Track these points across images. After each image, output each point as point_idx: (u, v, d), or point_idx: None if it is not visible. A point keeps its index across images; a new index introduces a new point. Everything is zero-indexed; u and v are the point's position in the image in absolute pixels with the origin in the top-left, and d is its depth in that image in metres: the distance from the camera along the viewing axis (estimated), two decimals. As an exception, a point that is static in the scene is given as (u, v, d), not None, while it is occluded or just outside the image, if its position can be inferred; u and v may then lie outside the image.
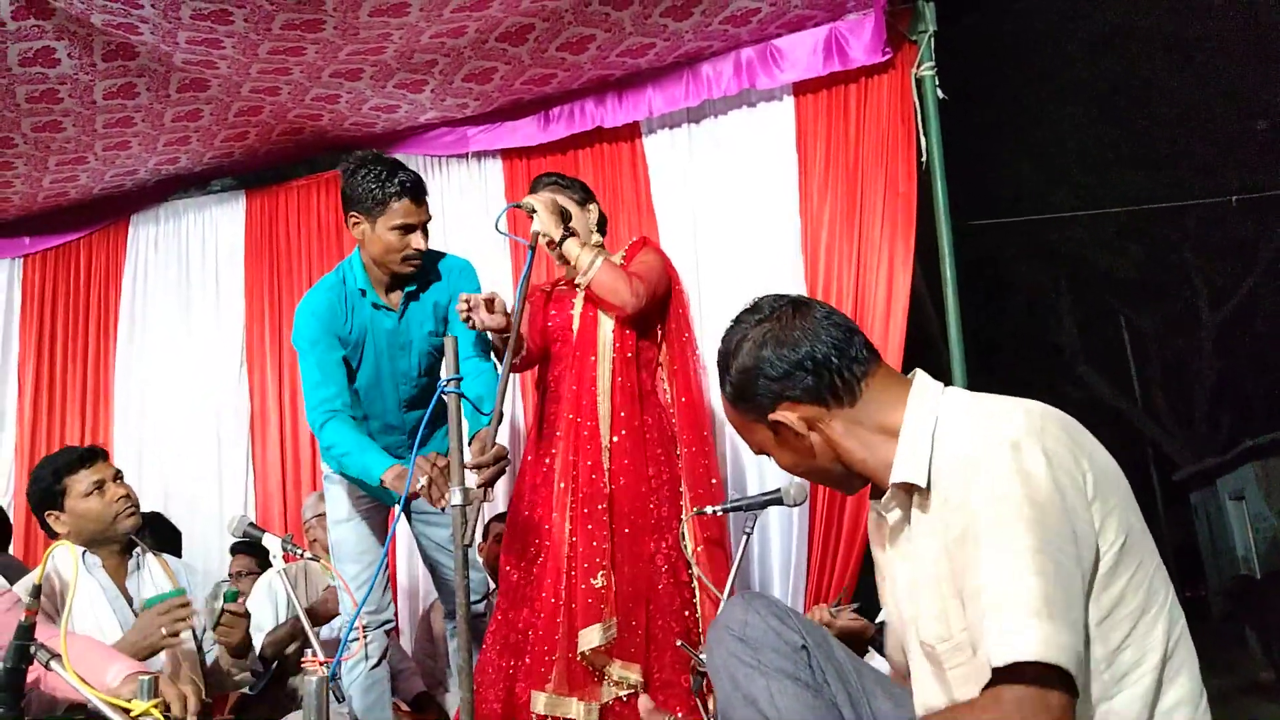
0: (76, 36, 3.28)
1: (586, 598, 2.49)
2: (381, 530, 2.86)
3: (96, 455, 2.61)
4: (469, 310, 2.45)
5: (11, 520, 4.05)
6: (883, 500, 1.41)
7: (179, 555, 3.89)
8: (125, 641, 2.23)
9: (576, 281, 2.68)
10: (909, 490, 1.35)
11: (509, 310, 2.46)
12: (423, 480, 2.22)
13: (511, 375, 3.00)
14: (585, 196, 2.86)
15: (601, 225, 2.90)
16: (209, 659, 2.63)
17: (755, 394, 1.41)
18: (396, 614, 3.93)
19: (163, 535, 3.77)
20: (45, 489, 2.54)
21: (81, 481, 2.53)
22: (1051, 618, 1.13)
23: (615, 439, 2.60)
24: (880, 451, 1.38)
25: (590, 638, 2.46)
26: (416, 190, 2.66)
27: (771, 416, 1.41)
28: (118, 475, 2.62)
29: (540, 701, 2.48)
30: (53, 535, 2.58)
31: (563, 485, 2.60)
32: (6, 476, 4.70)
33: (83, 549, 2.52)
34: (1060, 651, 1.12)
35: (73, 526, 2.53)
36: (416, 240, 2.65)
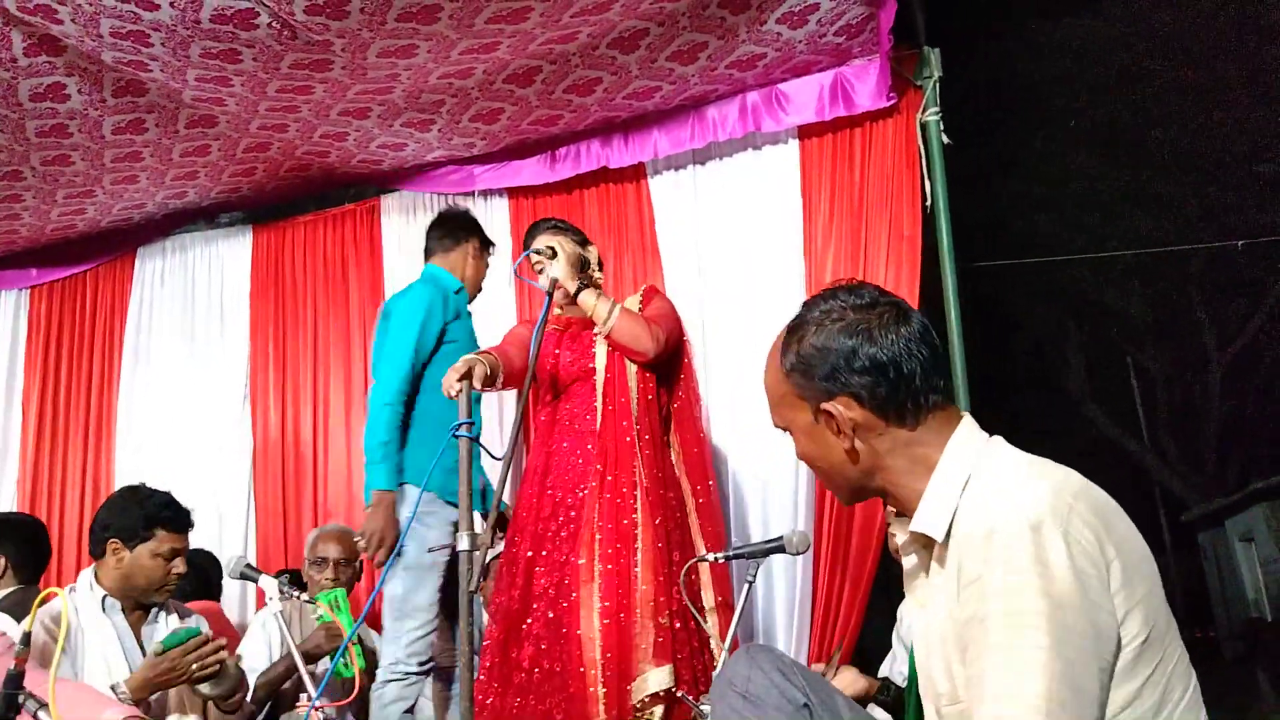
0: (87, 73, 3.31)
1: (657, 636, 2.46)
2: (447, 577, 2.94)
3: (188, 525, 2.63)
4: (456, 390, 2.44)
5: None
6: (902, 545, 1.38)
7: (218, 596, 3.84)
8: (136, 677, 2.21)
9: (596, 331, 2.71)
10: (927, 542, 1.32)
11: (484, 377, 2.48)
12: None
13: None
14: (583, 239, 2.91)
15: (599, 265, 2.93)
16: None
17: (820, 376, 1.33)
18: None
19: (202, 576, 3.70)
20: (131, 526, 2.53)
21: (164, 543, 2.54)
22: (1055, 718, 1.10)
23: (642, 482, 2.60)
24: (916, 481, 1.32)
25: (660, 678, 2.43)
26: None
27: (825, 405, 1.33)
28: (185, 551, 2.62)
29: None
30: (97, 556, 2.57)
31: (599, 525, 2.57)
32: (10, 505, 4.68)
33: (104, 593, 2.52)
34: None
35: (121, 571, 2.53)
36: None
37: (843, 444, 1.34)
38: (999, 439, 1.34)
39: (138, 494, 2.63)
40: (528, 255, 2.75)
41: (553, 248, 2.69)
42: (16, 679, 1.55)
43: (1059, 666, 1.10)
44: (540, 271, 2.72)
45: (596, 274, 2.87)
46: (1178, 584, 16.55)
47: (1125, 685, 1.16)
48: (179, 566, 2.58)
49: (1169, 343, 15.59)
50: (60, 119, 3.56)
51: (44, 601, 1.68)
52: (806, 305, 1.39)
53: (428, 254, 3.32)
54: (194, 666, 2.22)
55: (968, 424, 1.34)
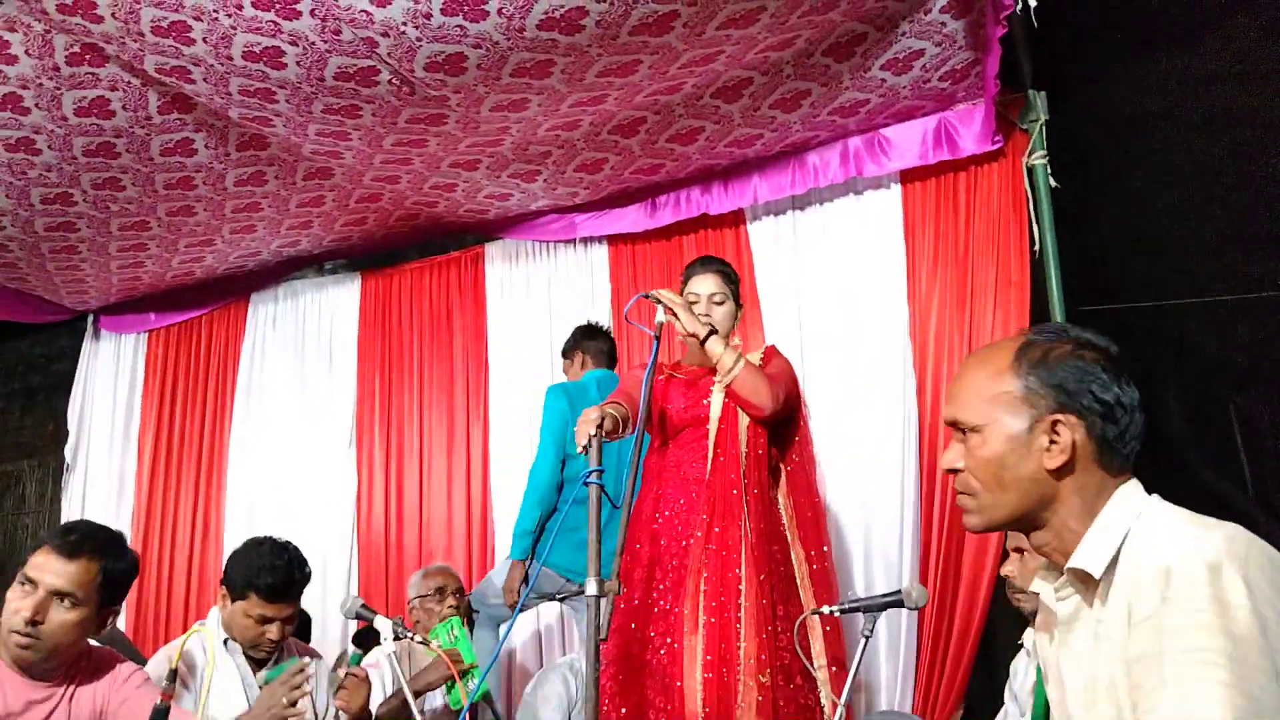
0: (214, 129, 3.48)
1: (758, 695, 2.41)
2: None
3: (283, 596, 2.55)
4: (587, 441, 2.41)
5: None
6: (1056, 585, 1.36)
7: (308, 638, 3.90)
8: (249, 717, 2.24)
9: (717, 380, 2.69)
10: (1085, 580, 1.31)
11: (612, 427, 2.45)
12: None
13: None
14: (738, 294, 2.88)
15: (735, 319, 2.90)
16: None
17: (1063, 387, 1.32)
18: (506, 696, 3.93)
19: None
20: (234, 580, 2.54)
21: (254, 606, 2.52)
22: None
23: (748, 536, 2.57)
24: (1081, 526, 1.32)
25: None
26: None
27: (1055, 416, 1.31)
28: (289, 620, 2.59)
29: None
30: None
31: (704, 576, 2.55)
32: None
33: (225, 636, 2.57)
34: None
35: (223, 618, 2.58)
36: None
37: (1047, 461, 1.31)
38: (1157, 496, 1.34)
39: (254, 550, 2.60)
40: (651, 299, 2.68)
41: (657, 297, 2.63)
42: (163, 713, 1.60)
43: (1242, 702, 1.09)
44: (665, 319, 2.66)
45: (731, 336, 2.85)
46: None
47: None
48: (272, 633, 2.54)
49: (1275, 388, 14.93)
50: (187, 172, 3.74)
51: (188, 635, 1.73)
52: (1067, 328, 1.39)
53: (607, 360, 3.67)
54: (284, 700, 2.22)
55: (1134, 483, 1.35)
